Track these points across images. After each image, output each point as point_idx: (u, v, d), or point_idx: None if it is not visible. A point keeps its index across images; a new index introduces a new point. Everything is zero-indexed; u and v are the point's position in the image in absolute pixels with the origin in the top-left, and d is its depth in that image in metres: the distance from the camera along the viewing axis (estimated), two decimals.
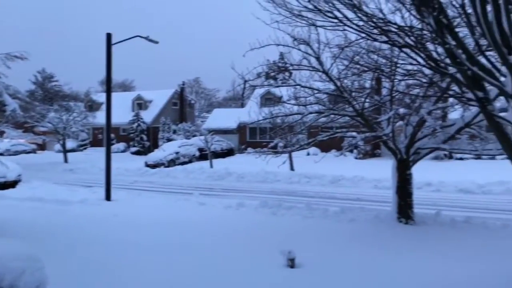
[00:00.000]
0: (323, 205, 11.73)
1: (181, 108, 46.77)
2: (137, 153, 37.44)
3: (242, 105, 50.00)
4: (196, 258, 6.82)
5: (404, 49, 7.13)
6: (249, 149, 31.53)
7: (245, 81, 10.64)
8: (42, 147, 42.47)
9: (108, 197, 13.56)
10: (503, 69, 4.96)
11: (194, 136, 36.60)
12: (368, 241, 7.90)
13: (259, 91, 32.98)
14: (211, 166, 24.11)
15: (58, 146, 34.58)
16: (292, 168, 21.77)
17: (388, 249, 7.32)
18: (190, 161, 28.56)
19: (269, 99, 31.22)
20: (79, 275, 5.92)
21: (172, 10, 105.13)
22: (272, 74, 12.82)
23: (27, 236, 7.56)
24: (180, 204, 12.56)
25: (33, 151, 40.33)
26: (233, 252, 7.16)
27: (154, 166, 25.75)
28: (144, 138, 38.70)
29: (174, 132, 38.67)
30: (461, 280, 5.57)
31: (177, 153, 28.11)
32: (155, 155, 27.67)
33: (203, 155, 28.55)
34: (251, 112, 11.55)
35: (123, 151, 39.47)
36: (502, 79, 4.90)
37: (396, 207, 9.46)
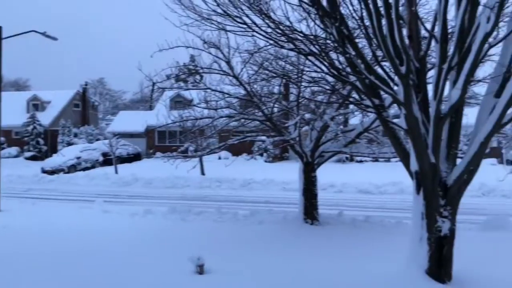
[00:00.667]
0: (233, 209, 11.80)
1: (84, 110, 43.92)
2: (32, 158, 34.27)
3: (151, 108, 48.52)
4: (97, 268, 6.38)
5: (309, 57, 7.45)
6: (158, 154, 30.68)
7: (154, 83, 10.30)
8: None
9: None
10: (396, 79, 5.42)
11: (97, 140, 34.60)
12: (276, 243, 8.11)
13: (169, 94, 32.34)
14: (116, 171, 22.98)
15: None
16: (203, 173, 21.62)
17: (294, 249, 7.57)
18: (93, 167, 26.96)
19: (179, 102, 30.71)
20: None
21: (72, 5, 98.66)
22: (183, 76, 12.60)
23: None
24: (81, 213, 11.70)
25: None
26: (139, 260, 6.82)
27: (52, 172, 23.87)
28: (40, 142, 35.59)
29: (76, 135, 36.15)
30: (354, 274, 5.95)
31: (78, 158, 26.38)
32: (54, 161, 25.70)
33: (107, 160, 27.14)
34: (160, 115, 11.23)
35: (15, 156, 35.88)
36: (395, 88, 5.34)
37: (302, 208, 9.85)
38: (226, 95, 9.93)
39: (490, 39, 4.69)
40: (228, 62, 9.18)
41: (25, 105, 39.93)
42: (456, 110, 5.33)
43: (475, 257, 6.39)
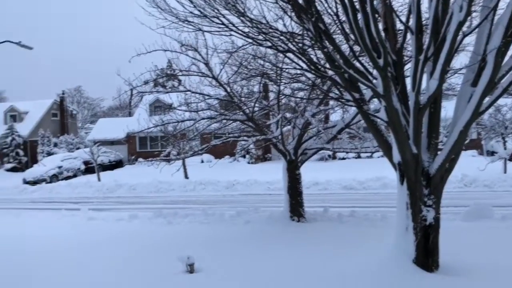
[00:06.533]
0: (219, 210, 11.75)
1: (62, 119, 43.12)
2: (13, 169, 33.51)
3: (130, 114, 48.00)
4: (88, 273, 6.34)
5: (288, 54, 7.48)
6: (140, 159, 30.34)
7: (132, 88, 10.18)
8: None
9: None
10: (375, 72, 5.47)
11: (78, 148, 34.06)
12: (263, 240, 8.10)
13: (148, 99, 31.97)
14: (99, 179, 22.65)
15: None
16: (186, 176, 21.47)
17: (281, 246, 7.58)
18: (75, 175, 26.54)
19: (158, 107, 30.45)
20: None
21: (44, 11, 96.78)
22: (161, 80, 12.50)
23: None
24: (66, 221, 11.56)
25: None
26: (129, 263, 6.82)
27: (34, 182, 23.42)
28: (20, 153, 34.81)
29: (55, 145, 35.48)
30: (342, 267, 5.99)
31: (60, 167, 25.94)
32: (35, 171, 25.21)
33: (89, 168, 26.76)
34: (141, 120, 11.09)
35: None
36: (374, 81, 5.39)
37: (288, 206, 9.86)
38: (207, 97, 9.88)
39: (464, 28, 4.76)
40: (206, 64, 9.14)
41: (2, 116, 39.04)
42: (435, 101, 5.41)
43: (461, 246, 6.50)
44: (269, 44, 7.22)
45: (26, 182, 23.78)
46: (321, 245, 7.46)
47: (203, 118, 9.93)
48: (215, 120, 9.92)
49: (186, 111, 10.30)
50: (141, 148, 35.11)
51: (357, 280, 5.45)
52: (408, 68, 6.00)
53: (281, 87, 9.63)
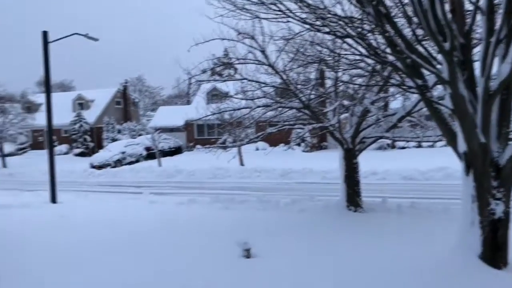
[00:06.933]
0: (274, 198, 11.82)
1: (125, 107, 45.30)
2: (81, 154, 35.78)
3: (188, 103, 49.27)
4: (152, 253, 6.68)
5: (346, 40, 7.28)
6: (198, 146, 31.18)
7: (190, 78, 10.43)
8: None
9: (53, 199, 12.96)
10: (439, 56, 5.17)
11: (140, 135, 35.61)
12: (319, 229, 8.04)
13: (205, 88, 32.70)
14: (160, 164, 23.57)
15: None
16: (242, 164, 21.77)
17: (339, 235, 7.48)
18: (137, 161, 27.78)
19: (215, 95, 30.99)
20: (28, 272, 5.61)
21: (110, 4, 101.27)
22: (218, 69, 12.68)
23: None
24: (130, 203, 12.22)
25: None
26: (189, 246, 7.08)
27: (100, 167, 24.82)
28: (87, 139, 37.05)
29: (119, 131, 37.37)
30: (402, 260, 5.79)
31: (123, 153, 27.25)
32: (101, 156, 26.67)
33: (150, 154, 27.89)
34: (199, 108, 11.38)
35: (65, 153, 37.58)
36: (439, 66, 5.11)
37: (344, 195, 9.69)
38: (262, 85, 9.89)
39: None
40: (263, 51, 9.13)
41: (71, 104, 41.66)
42: (507, 87, 5.03)
43: None
44: (327, 29, 7.07)
45: (92, 166, 25.26)
46: (379, 236, 7.27)
47: (258, 106, 9.97)
48: (271, 108, 9.93)
49: (242, 99, 10.40)
50: (198, 135, 36.05)
51: (420, 274, 5.25)
52: (477, 52, 5.62)
53: (339, 74, 9.43)
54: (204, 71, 10.40)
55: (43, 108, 34.25)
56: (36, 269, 6.09)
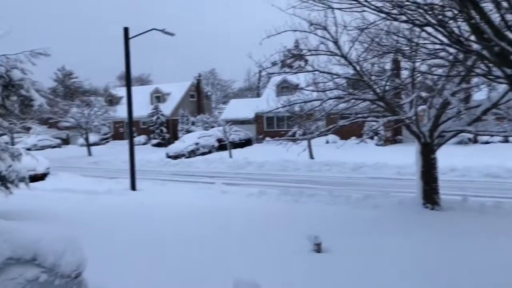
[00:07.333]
0: (345, 193, 11.61)
1: (199, 100, 46.94)
2: (158, 145, 37.80)
3: (258, 95, 49.79)
4: (225, 243, 6.88)
5: (425, 28, 6.88)
6: (267, 139, 31.45)
7: (260, 71, 10.51)
8: (66, 141, 43.35)
9: (133, 187, 13.87)
10: None
11: (212, 127, 36.70)
12: (394, 227, 7.76)
13: (275, 80, 32.77)
14: (231, 156, 24.15)
15: (81, 140, 35.39)
16: (311, 157, 21.60)
17: (415, 234, 7.16)
18: (209, 152, 28.67)
19: (285, 88, 30.98)
20: (112, 256, 6.06)
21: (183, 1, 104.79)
22: (288, 61, 12.63)
23: (60, 222, 7.84)
24: (203, 193, 12.73)
25: (58, 146, 41.22)
26: (260, 237, 7.21)
27: (175, 157, 25.97)
28: (164, 130, 39.03)
29: (193, 123, 38.84)
30: (485, 264, 5.40)
31: (197, 144, 28.25)
32: (176, 147, 27.88)
33: (222, 146, 28.65)
34: (269, 100, 11.45)
35: (144, 144, 39.91)
36: None
37: (421, 192, 9.25)
38: (335, 76, 9.70)
39: None
40: (335, 42, 8.95)
41: (148, 97, 44.03)
42: None
43: None
44: (405, 18, 6.72)
45: (168, 156, 26.52)
46: (459, 236, 6.86)
47: (330, 98, 9.80)
48: (343, 100, 9.72)
49: (313, 91, 10.29)
50: (268, 127, 36.34)
51: (507, 278, 4.87)
52: None
53: (417, 64, 8.97)
54: (274, 64, 10.43)
55: (124, 101, 36.51)
56: (120, 253, 6.54)
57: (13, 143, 30.57)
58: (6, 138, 27.63)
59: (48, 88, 52.93)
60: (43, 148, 38.33)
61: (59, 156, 29.59)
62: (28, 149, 33.76)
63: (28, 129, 38.05)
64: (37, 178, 15.70)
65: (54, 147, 40.43)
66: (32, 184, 9.95)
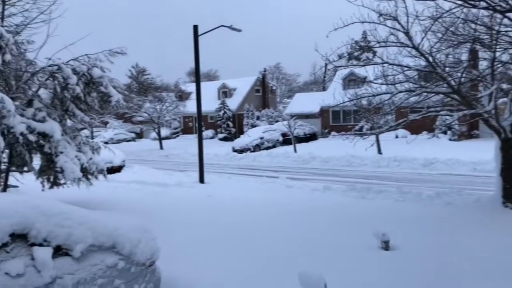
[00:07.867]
0: (415, 189, 11.15)
1: (264, 94, 47.29)
2: (224, 139, 38.76)
3: (324, 89, 49.09)
4: (291, 238, 6.92)
5: (508, 14, 6.38)
6: (333, 133, 30.94)
7: (326, 64, 10.33)
8: (140, 135, 45.88)
9: (201, 179, 14.43)
10: None
11: (276, 121, 36.83)
12: (468, 226, 7.32)
13: (341, 74, 32.07)
14: (295, 150, 24.09)
15: (153, 134, 37.30)
16: (379, 152, 20.91)
17: (493, 234, 6.69)
18: (274, 146, 28.83)
19: (352, 81, 30.27)
20: (184, 247, 6.33)
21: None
22: (356, 54, 12.32)
23: (135, 212, 8.35)
24: (268, 187, 12.86)
25: (133, 139, 43.70)
26: (327, 232, 7.18)
27: (241, 151, 26.46)
28: (230, 125, 39.90)
29: (258, 118, 39.27)
30: None
31: (261, 138, 28.53)
32: (241, 141, 28.38)
33: (286, 140, 28.67)
34: (336, 94, 11.25)
35: (211, 138, 41.09)
36: None
37: (500, 190, 8.62)
38: (405, 68, 9.29)
39: None
40: (406, 33, 8.56)
41: (216, 93, 45.17)
42: None
43: None
44: (485, 4, 6.29)
45: (234, 150, 27.07)
46: None
47: (400, 91, 9.42)
48: (414, 93, 9.29)
49: (382, 84, 9.93)
50: (333, 122, 35.74)
51: None
52: None
53: (497, 54, 8.33)
54: (341, 56, 10.22)
55: (193, 96, 37.76)
56: (191, 245, 6.82)
57: (92, 137, 32.90)
58: (86, 132, 29.83)
59: (123, 85, 56.26)
60: (119, 141, 40.75)
61: (133, 149, 31.35)
62: (106, 143, 36.22)
63: (105, 123, 40.69)
64: (113, 170, 16.77)
65: (129, 140, 42.85)
66: (109, 176, 10.66)
